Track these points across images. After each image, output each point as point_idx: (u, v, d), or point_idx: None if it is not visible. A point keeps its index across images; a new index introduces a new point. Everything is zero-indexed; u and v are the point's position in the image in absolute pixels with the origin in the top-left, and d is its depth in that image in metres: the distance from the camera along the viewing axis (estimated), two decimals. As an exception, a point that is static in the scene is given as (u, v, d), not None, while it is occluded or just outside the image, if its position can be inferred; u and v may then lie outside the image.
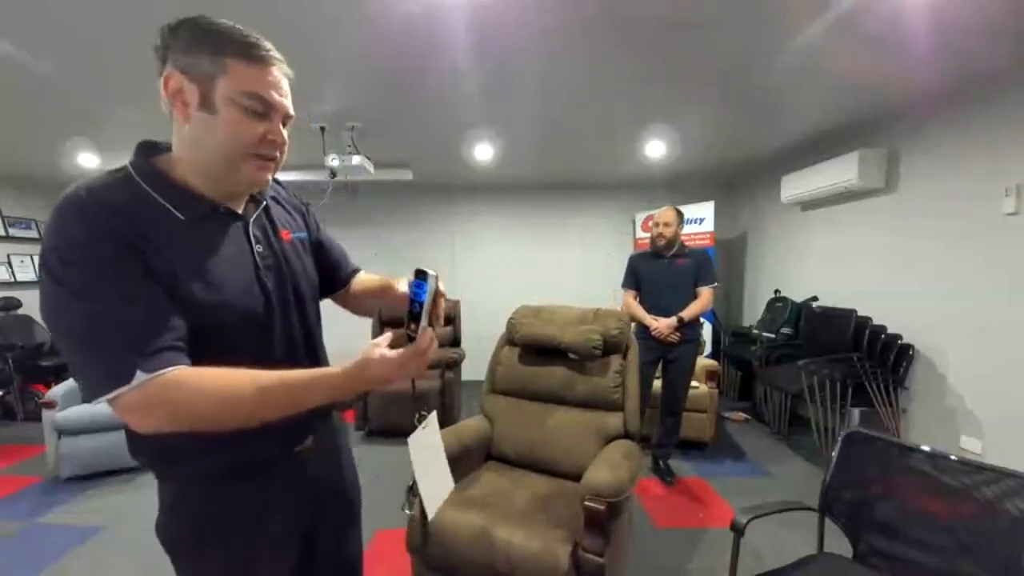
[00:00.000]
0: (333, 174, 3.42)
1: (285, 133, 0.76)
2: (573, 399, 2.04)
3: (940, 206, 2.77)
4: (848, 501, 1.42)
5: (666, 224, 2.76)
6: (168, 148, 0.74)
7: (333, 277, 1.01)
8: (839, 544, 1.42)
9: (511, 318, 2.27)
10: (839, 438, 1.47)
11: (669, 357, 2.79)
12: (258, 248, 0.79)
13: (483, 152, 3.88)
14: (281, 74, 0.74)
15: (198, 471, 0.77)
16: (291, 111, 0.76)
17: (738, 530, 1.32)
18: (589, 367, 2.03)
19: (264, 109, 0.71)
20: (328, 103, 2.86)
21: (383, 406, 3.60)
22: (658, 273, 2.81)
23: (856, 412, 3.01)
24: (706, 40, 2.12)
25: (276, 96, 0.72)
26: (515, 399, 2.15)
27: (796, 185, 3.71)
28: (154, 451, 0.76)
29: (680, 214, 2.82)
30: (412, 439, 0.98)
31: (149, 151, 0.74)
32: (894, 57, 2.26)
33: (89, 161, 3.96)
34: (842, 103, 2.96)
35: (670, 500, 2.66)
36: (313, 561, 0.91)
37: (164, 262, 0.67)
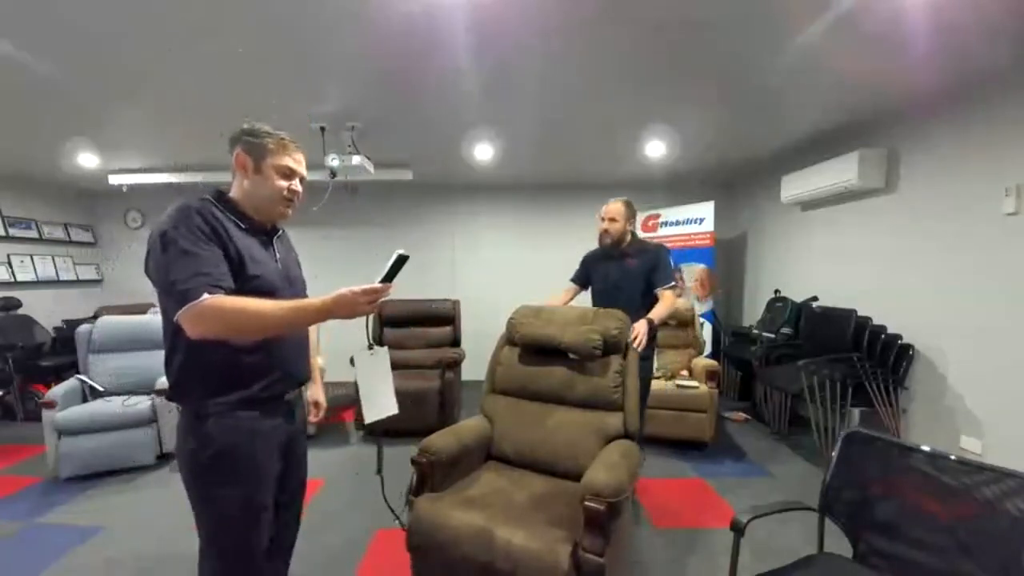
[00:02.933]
0: (333, 174, 3.41)
1: (300, 187, 1.28)
2: (573, 399, 2.04)
3: (940, 206, 2.77)
4: (848, 501, 1.42)
5: (612, 219, 2.44)
6: (227, 191, 1.24)
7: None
8: (839, 544, 1.42)
9: (511, 318, 2.26)
10: (839, 438, 1.46)
11: None
12: (277, 254, 1.30)
13: (483, 152, 3.88)
14: (299, 152, 1.27)
15: (228, 404, 1.15)
16: (305, 175, 1.29)
17: (738, 530, 1.32)
18: (589, 367, 2.03)
19: (289, 174, 1.25)
20: (328, 103, 2.86)
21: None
22: (609, 274, 2.55)
23: (856, 412, 3.01)
24: (706, 40, 2.13)
25: (295, 166, 1.26)
26: (515, 399, 2.15)
27: (796, 185, 3.71)
28: (198, 390, 1.16)
29: (630, 207, 2.48)
30: (358, 355, 1.37)
31: (221, 193, 1.23)
32: (894, 57, 2.26)
33: (89, 161, 3.95)
34: (842, 103, 2.96)
35: (670, 500, 2.66)
36: (285, 473, 1.33)
37: (235, 249, 1.14)
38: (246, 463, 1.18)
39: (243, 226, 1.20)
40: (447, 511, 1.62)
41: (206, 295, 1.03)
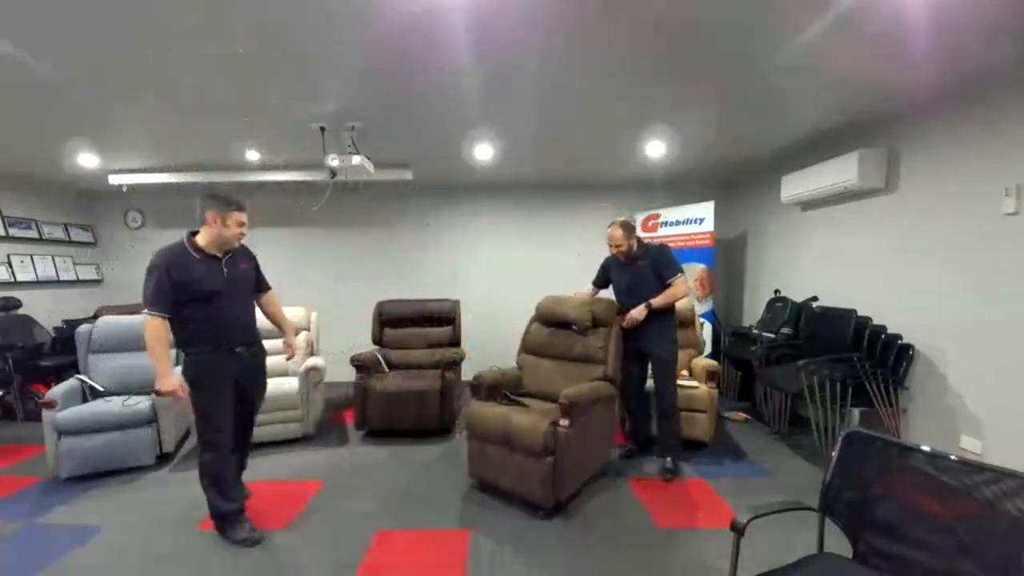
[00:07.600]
0: (333, 174, 3.41)
1: (245, 230, 2.25)
2: (572, 356, 3.03)
3: (940, 206, 2.77)
4: (848, 501, 1.42)
5: (617, 245, 2.97)
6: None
7: (259, 287, 2.49)
8: (839, 544, 1.42)
9: (539, 303, 3.23)
10: (839, 438, 1.47)
11: (645, 349, 3.00)
12: (225, 270, 2.20)
13: (483, 152, 3.88)
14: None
15: (201, 349, 2.15)
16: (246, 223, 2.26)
17: (738, 530, 1.33)
18: (585, 335, 2.98)
19: (241, 226, 2.24)
20: (328, 103, 2.86)
21: (382, 407, 3.59)
22: (625, 279, 3.07)
23: (856, 412, 3.01)
24: (706, 40, 2.13)
25: (245, 219, 2.24)
26: (536, 356, 3.20)
27: (796, 185, 3.71)
28: (184, 341, 2.17)
29: (626, 226, 2.96)
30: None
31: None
32: (894, 57, 2.26)
33: (89, 161, 3.96)
34: (842, 103, 2.96)
35: (670, 500, 2.66)
36: (240, 404, 2.29)
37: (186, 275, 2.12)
38: (213, 380, 2.17)
39: (198, 256, 2.15)
40: (486, 408, 2.73)
41: (154, 311, 2.06)
